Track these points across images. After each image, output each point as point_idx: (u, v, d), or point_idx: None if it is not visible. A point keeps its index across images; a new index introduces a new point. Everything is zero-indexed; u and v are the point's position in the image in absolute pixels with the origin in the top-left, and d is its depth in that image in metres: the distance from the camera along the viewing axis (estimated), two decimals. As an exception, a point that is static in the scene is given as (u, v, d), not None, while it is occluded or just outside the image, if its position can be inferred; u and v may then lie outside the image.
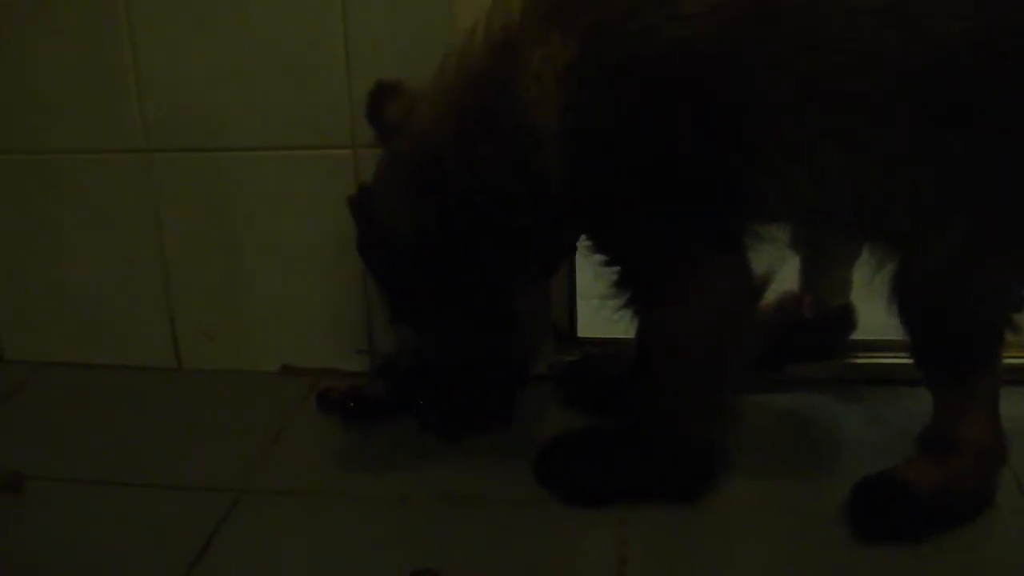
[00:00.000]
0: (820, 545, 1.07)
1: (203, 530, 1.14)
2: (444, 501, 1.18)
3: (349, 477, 1.25)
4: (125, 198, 1.50)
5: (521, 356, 1.34)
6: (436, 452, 1.28)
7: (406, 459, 1.28)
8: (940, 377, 1.10)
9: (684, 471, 1.15)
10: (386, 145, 1.21)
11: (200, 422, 1.41)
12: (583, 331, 1.50)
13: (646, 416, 1.17)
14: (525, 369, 1.36)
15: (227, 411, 1.44)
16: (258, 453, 1.31)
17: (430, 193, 1.13)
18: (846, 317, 1.38)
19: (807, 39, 0.98)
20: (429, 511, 1.17)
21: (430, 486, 1.21)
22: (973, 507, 1.10)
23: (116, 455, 1.32)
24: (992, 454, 1.10)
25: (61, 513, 1.20)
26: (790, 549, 1.08)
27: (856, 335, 1.39)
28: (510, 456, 1.25)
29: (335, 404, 1.40)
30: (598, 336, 1.47)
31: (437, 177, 1.12)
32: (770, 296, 1.35)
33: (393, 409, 1.37)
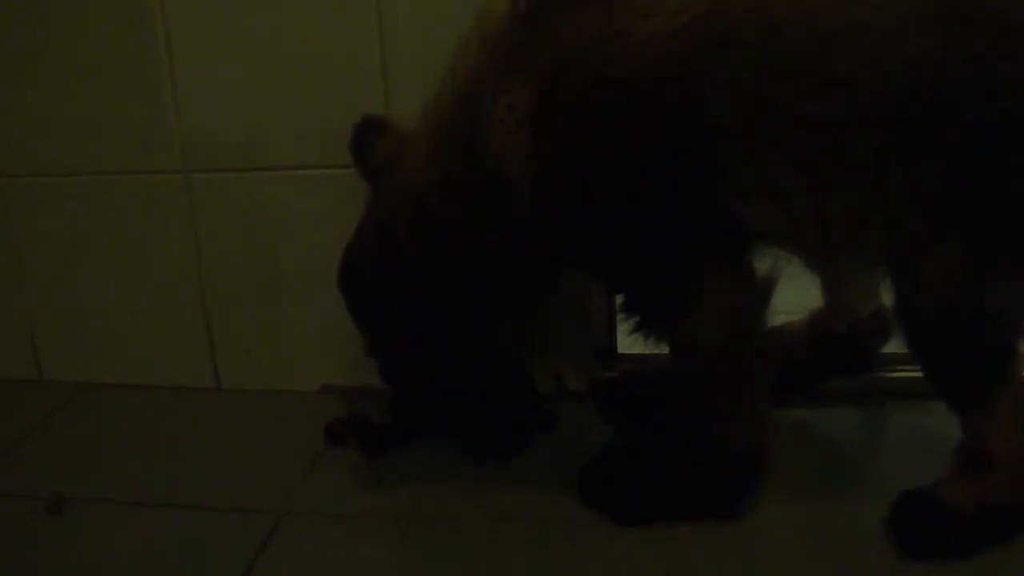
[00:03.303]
0: (864, 565, 1.05)
1: (246, 552, 1.13)
2: (488, 521, 1.17)
3: (392, 498, 1.24)
4: (163, 218, 1.50)
5: (515, 386, 1.34)
6: (479, 471, 1.27)
7: (449, 478, 1.27)
8: (957, 399, 1.07)
9: (722, 487, 1.13)
10: (370, 182, 1.22)
11: (240, 442, 1.41)
12: (623, 347, 1.48)
13: (681, 433, 1.16)
14: (525, 393, 1.37)
15: (267, 431, 1.44)
16: (299, 474, 1.30)
17: (417, 242, 1.13)
18: (878, 324, 1.35)
19: (757, 64, 0.97)
20: (474, 531, 1.16)
21: (474, 506, 1.20)
22: (1017, 522, 1.07)
23: (156, 476, 1.32)
24: None
25: (101, 535, 1.20)
26: (833, 568, 1.06)
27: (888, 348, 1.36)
28: (552, 474, 1.24)
29: (341, 438, 1.36)
30: (638, 352, 1.45)
31: (423, 226, 1.13)
32: (801, 314, 1.36)
33: (400, 439, 1.35)
